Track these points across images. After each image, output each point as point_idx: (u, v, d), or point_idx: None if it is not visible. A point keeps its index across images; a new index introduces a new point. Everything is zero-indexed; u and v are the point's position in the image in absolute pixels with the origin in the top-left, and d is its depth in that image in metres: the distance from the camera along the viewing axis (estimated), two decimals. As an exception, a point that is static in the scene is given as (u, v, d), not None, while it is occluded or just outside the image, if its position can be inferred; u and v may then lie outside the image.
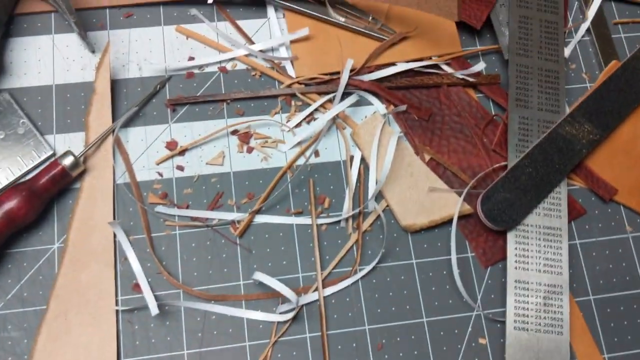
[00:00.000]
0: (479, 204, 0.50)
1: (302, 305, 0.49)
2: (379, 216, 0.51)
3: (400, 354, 0.48)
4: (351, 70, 0.54)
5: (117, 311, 0.47)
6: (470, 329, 0.49)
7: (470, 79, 0.55)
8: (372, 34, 0.55)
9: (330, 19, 0.55)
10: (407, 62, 0.55)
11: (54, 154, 0.51)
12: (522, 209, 0.50)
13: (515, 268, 0.49)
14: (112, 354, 0.46)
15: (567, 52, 0.57)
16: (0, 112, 0.51)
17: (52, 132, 0.52)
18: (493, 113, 0.55)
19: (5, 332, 0.47)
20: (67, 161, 0.49)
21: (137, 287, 0.48)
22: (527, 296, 0.49)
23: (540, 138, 0.52)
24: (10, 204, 0.46)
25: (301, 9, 0.55)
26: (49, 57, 0.54)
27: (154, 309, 0.46)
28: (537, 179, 0.51)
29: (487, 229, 0.51)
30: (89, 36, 0.54)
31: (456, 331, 0.49)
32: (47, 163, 0.50)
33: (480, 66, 0.55)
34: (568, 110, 0.54)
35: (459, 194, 0.51)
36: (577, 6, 0.60)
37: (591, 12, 0.59)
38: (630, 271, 0.52)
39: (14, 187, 0.47)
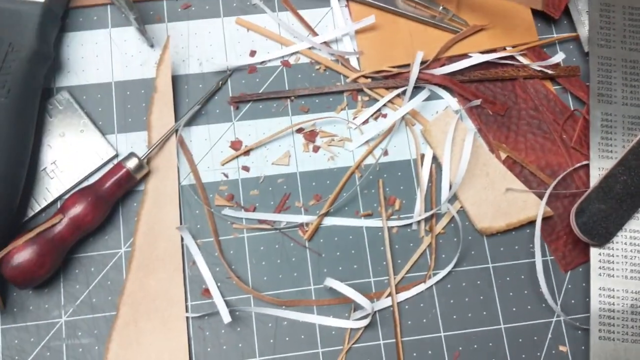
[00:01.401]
0: (573, 218, 0.47)
1: (376, 312, 0.47)
2: (452, 218, 0.49)
3: (478, 362, 0.47)
4: (422, 63, 0.51)
5: (187, 317, 0.46)
6: (550, 335, 0.47)
7: (548, 71, 0.52)
8: (443, 25, 0.52)
9: (398, 10, 0.52)
10: (480, 53, 0.52)
11: (116, 155, 0.50)
12: (618, 221, 0.47)
13: (600, 275, 0.47)
14: (184, 361, 0.46)
15: (650, 39, 0.54)
16: (60, 111, 0.50)
17: (113, 131, 0.50)
18: (572, 107, 0.52)
19: (75, 339, 0.46)
20: (132, 164, 0.47)
21: (206, 293, 0.47)
22: (613, 304, 0.46)
23: (634, 142, 0.49)
24: (77, 209, 0.45)
25: (368, 1, 0.52)
26: (106, 53, 0.52)
27: (226, 317, 0.45)
28: (632, 187, 0.48)
29: (567, 231, 0.48)
30: (147, 30, 0.52)
31: (535, 338, 0.47)
32: (111, 165, 0.49)
33: (559, 57, 0.52)
34: (654, 104, 0.51)
35: (539, 195, 0.49)
36: (661, -11, 0.56)
37: (677, -4, 0.54)
38: None
39: (79, 192, 0.46)
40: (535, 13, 0.54)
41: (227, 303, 0.47)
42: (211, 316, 0.47)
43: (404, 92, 0.51)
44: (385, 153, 0.51)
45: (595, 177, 0.49)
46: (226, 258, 0.48)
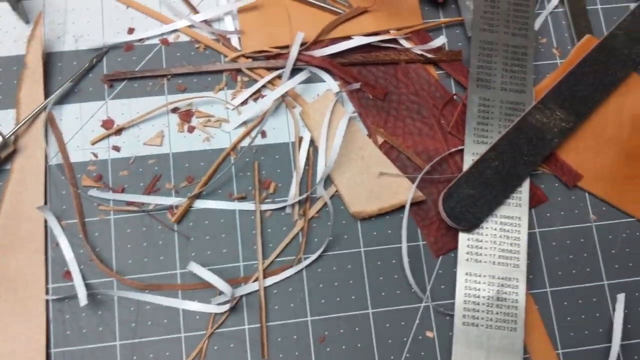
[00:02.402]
0: (440, 202, 0.47)
1: (242, 296, 0.46)
2: (327, 202, 0.48)
3: (343, 347, 0.46)
4: (303, 45, 0.50)
5: (47, 300, 0.45)
6: (417, 321, 0.47)
7: (430, 56, 0.51)
8: (326, 6, 0.51)
9: (281, -12, 0.51)
10: (363, 36, 0.51)
11: (-18, 133, 0.48)
12: (487, 206, 0.47)
13: (467, 260, 0.47)
14: (41, 344, 0.44)
15: (537, 24, 0.53)
16: None
17: (-19, 108, 0.49)
18: (454, 92, 0.52)
19: None
20: (-6, 141, 0.46)
21: (68, 275, 0.46)
22: (479, 290, 0.46)
23: (508, 128, 0.48)
24: None
25: (250, -23, 0.51)
26: (-21, 28, 0.50)
27: (82, 299, 0.44)
28: (504, 172, 0.48)
29: (440, 217, 0.48)
30: (23, 5, 0.50)
31: (403, 323, 0.47)
32: (-26, 142, 0.47)
33: (440, 41, 0.51)
34: (533, 90, 0.50)
35: (412, 180, 0.48)
36: (551, -25, 0.55)
37: (566, -18, 0.54)
38: (591, 262, 0.49)
39: None
40: (423, -3, 0.53)
41: (90, 286, 0.46)
42: (72, 299, 0.46)
43: (285, 74, 0.50)
44: (264, 135, 0.50)
45: (469, 162, 0.48)
46: (90, 240, 0.47)
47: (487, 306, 0.46)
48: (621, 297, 0.48)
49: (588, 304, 0.48)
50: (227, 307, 0.45)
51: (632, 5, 0.54)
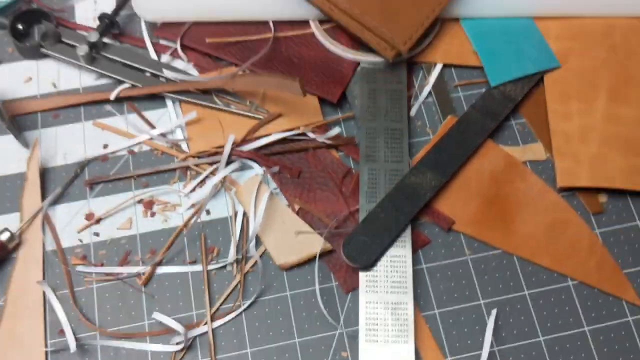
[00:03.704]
0: (341, 248, 0.61)
1: (196, 337, 0.60)
2: (260, 257, 0.63)
3: (277, 370, 0.59)
4: (234, 144, 0.67)
5: (46, 352, 0.59)
6: (334, 344, 0.60)
7: (331, 142, 0.68)
8: (250, 114, 0.68)
9: (216, 105, 0.69)
10: (280, 132, 0.68)
11: (-5, 231, 0.64)
12: (378, 249, 0.61)
13: (367, 291, 0.60)
14: (42, 389, 0.58)
15: (413, 111, 0.70)
16: (-46, 201, 0.65)
17: (-5, 213, 0.65)
18: (352, 166, 0.68)
19: (-45, 377, 0.58)
20: (4, 237, 0.61)
21: (62, 332, 0.60)
22: (377, 313, 0.59)
23: (390, 190, 0.64)
24: (-42, 273, 0.59)
25: (192, 99, 0.69)
26: (-7, 155, 0.68)
27: (72, 348, 0.57)
28: (389, 222, 0.62)
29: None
30: (24, 135, 0.68)
31: (323, 347, 0.60)
32: (-10, 239, 0.63)
33: (334, 131, 0.68)
34: (410, 160, 0.66)
35: (321, 234, 0.63)
36: (422, 74, 0.73)
37: (432, 78, 0.72)
38: (469, 287, 0.63)
39: (-39, 260, 0.60)
40: (324, 100, 0.70)
41: (78, 339, 0.59)
42: (65, 350, 0.59)
43: (222, 166, 0.67)
44: (208, 213, 0.65)
45: (363, 217, 0.63)
46: (79, 304, 0.61)
47: (384, 326, 0.59)
48: (494, 312, 0.61)
49: (468, 319, 0.61)
50: (181, 345, 0.59)
51: (483, 90, 0.72)
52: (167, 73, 0.70)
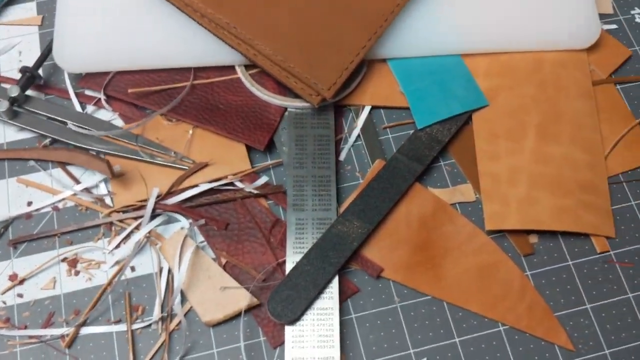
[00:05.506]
0: (266, 304, 0.61)
1: (120, 400, 0.59)
2: (187, 313, 0.62)
3: None
4: (159, 196, 0.66)
5: None
6: (261, 402, 0.59)
7: (258, 191, 0.67)
8: (175, 165, 0.68)
9: (139, 157, 0.68)
10: (207, 182, 0.67)
11: None
12: (303, 303, 0.61)
13: (292, 347, 0.60)
14: None
15: (342, 155, 0.70)
16: None
17: None
18: (281, 217, 0.67)
19: None
20: None
21: (-19, 402, 0.58)
22: (302, 370, 0.59)
23: (316, 240, 0.63)
24: None
25: (115, 152, 0.68)
26: None
27: (-10, 420, 0.56)
28: (315, 274, 0.62)
29: (273, 315, 0.62)
30: (-55, 195, 0.67)
31: (249, 406, 0.59)
32: None
33: (261, 180, 0.67)
34: (338, 207, 0.66)
35: (248, 289, 0.62)
36: (351, 117, 0.73)
37: (360, 121, 0.71)
38: (399, 336, 0.62)
39: None
40: (252, 148, 0.70)
41: (-1, 408, 0.58)
42: (-15, 421, 0.58)
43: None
44: (133, 269, 0.64)
45: (290, 269, 0.63)
46: (0, 371, 0.60)
47: (310, 382, 0.58)
48: (423, 361, 0.61)
49: (397, 369, 0.61)
50: (104, 410, 0.58)
51: (410, 133, 0.71)
52: (71, 125, 0.69)
